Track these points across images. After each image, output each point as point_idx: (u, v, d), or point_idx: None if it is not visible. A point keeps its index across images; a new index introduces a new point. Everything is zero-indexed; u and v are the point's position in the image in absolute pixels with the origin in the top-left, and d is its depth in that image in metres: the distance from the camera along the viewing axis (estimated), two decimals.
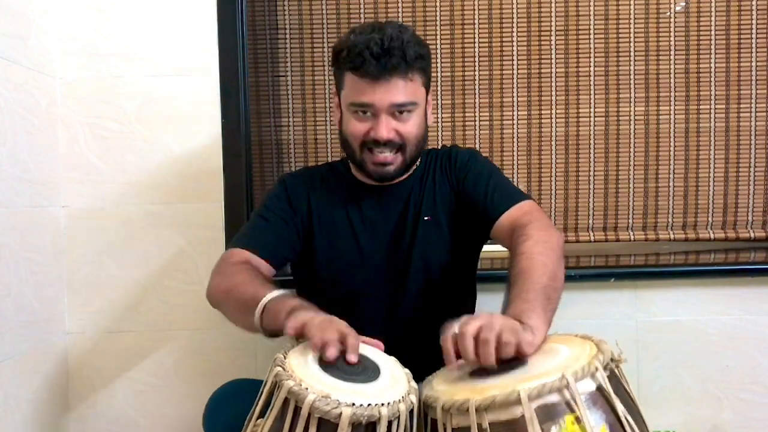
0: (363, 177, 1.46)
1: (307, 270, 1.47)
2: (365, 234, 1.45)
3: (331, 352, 1.01)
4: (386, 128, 1.33)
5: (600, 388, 0.92)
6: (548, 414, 0.88)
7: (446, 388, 1.01)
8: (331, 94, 1.52)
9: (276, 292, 1.19)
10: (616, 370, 0.98)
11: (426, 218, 1.44)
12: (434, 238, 1.43)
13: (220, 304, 1.33)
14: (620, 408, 0.92)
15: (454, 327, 1.02)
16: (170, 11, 1.83)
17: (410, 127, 1.36)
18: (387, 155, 1.36)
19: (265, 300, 1.17)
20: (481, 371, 1.00)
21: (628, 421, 0.92)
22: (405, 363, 1.13)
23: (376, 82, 1.30)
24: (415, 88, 1.35)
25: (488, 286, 1.57)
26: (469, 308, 1.52)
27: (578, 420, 0.88)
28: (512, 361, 0.99)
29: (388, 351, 1.16)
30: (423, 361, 1.14)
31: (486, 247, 1.52)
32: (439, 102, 1.93)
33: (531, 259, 1.17)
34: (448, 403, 0.95)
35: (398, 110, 1.33)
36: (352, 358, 1.03)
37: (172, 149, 1.84)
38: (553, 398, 0.89)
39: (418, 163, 1.49)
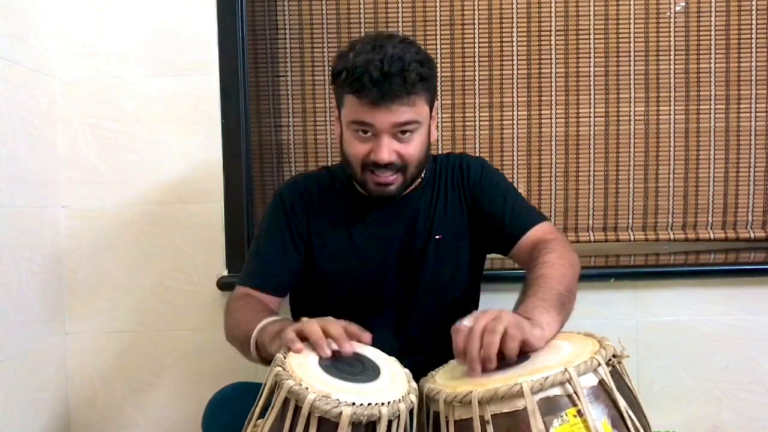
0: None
1: (310, 290, 1.45)
2: (370, 252, 1.41)
3: (324, 351, 1.05)
4: (387, 151, 1.27)
5: (602, 383, 0.93)
6: (550, 407, 0.89)
7: (449, 382, 1.02)
8: (332, 106, 1.50)
9: (263, 323, 1.20)
10: (618, 366, 0.99)
11: (437, 237, 1.41)
12: (446, 257, 1.41)
13: (233, 344, 1.34)
14: (622, 403, 0.92)
15: (465, 323, 1.03)
16: (170, 11, 1.83)
17: (412, 148, 1.30)
18: (388, 177, 1.31)
19: (254, 336, 1.19)
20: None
21: (629, 415, 0.92)
22: (414, 374, 1.12)
23: (377, 106, 1.25)
24: (418, 109, 1.29)
25: (489, 286, 1.58)
26: (473, 310, 1.51)
27: (580, 413, 0.89)
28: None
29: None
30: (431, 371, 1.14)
31: None
32: (439, 102, 1.92)
33: (552, 267, 1.20)
34: (451, 395, 0.95)
35: (400, 131, 1.28)
36: (346, 348, 1.06)
37: (172, 149, 1.84)
38: (556, 391, 0.90)
39: (424, 172, 1.45)
